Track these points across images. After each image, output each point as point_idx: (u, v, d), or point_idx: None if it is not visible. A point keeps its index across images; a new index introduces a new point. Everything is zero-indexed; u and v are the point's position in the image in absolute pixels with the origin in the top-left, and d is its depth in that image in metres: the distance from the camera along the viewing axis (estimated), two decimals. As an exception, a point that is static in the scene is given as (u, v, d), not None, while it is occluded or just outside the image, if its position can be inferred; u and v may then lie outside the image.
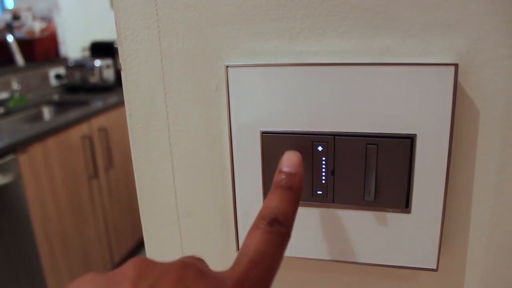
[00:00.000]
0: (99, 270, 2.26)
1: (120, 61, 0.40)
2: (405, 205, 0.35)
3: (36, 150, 1.80)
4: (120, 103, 2.47)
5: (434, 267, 0.36)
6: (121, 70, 0.40)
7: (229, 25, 0.36)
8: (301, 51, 0.35)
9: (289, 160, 0.30)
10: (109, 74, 2.73)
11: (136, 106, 0.41)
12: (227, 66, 0.36)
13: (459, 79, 0.33)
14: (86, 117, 2.14)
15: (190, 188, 0.42)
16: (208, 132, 0.39)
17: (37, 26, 2.68)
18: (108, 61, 2.73)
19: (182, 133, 0.40)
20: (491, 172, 0.35)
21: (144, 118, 0.41)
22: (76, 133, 2.05)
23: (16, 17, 2.67)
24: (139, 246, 2.70)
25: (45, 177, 1.84)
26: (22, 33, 2.65)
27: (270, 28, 0.35)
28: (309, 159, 0.36)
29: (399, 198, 0.35)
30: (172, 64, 0.38)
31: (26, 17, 2.68)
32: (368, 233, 0.37)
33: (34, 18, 2.73)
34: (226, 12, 0.36)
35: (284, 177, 0.30)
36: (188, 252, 0.44)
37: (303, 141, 0.35)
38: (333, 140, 0.35)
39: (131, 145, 0.42)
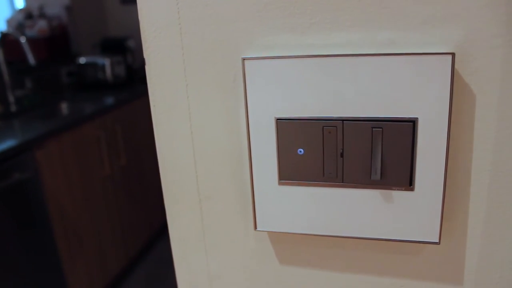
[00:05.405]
0: (114, 264, 2.32)
1: (144, 56, 0.43)
2: (408, 183, 0.38)
3: (52, 146, 1.84)
4: (132, 99, 2.51)
5: (437, 240, 0.40)
6: (145, 64, 0.44)
7: (245, 21, 0.39)
8: (311, 44, 0.38)
9: None
10: (120, 71, 2.77)
11: (160, 98, 0.44)
12: (244, 59, 0.39)
13: (456, 66, 0.36)
14: (99, 114, 2.19)
15: (211, 173, 0.45)
16: (226, 120, 0.43)
17: (49, 25, 2.73)
18: (119, 58, 2.77)
19: (203, 121, 0.44)
20: (488, 152, 0.38)
21: (167, 108, 0.44)
22: (89, 129, 2.10)
23: (28, 16, 2.72)
24: (153, 240, 2.75)
25: (61, 172, 1.89)
26: (34, 31, 2.70)
27: (283, 23, 0.39)
28: (320, 143, 0.39)
29: (403, 176, 0.38)
30: (193, 58, 0.42)
31: (37, 16, 2.74)
32: (375, 210, 0.40)
33: (46, 16, 2.78)
34: (242, 10, 0.39)
35: None
36: (209, 232, 0.48)
37: (314, 126, 0.39)
38: (341, 124, 0.38)
39: (155, 133, 0.46)
